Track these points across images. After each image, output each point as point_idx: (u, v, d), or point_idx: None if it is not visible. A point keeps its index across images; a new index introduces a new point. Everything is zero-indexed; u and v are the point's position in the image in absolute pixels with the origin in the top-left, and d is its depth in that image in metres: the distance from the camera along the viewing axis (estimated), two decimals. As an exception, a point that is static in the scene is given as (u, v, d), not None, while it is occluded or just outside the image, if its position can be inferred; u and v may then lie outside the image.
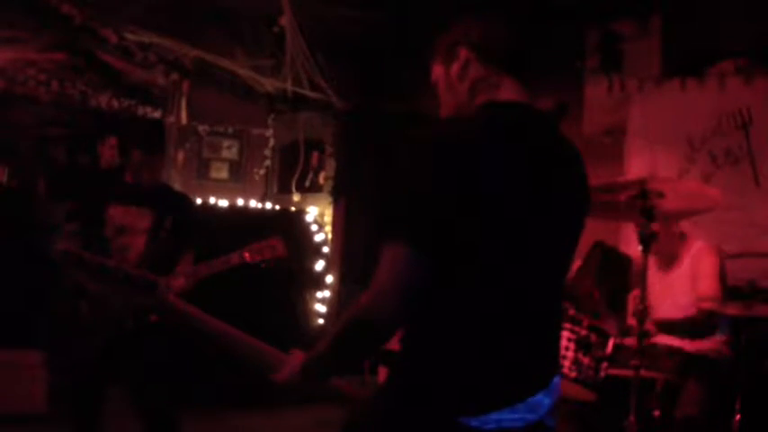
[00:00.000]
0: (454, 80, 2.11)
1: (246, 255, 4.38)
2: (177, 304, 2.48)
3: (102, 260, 4.05)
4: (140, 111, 7.89)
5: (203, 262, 4.31)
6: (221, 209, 7.41)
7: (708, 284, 4.44)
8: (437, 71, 2.18)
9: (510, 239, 1.90)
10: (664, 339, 4.44)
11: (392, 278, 1.84)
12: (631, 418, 3.85)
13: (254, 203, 7.85)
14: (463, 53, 2.10)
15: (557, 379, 2.04)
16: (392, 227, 1.86)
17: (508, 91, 2.07)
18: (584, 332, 4.09)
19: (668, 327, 4.43)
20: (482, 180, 1.83)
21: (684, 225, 4.69)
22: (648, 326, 4.29)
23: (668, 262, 4.65)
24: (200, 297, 3.39)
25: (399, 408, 1.92)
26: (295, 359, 2.08)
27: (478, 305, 1.89)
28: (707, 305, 4.31)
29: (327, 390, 2.12)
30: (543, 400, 1.96)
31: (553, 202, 1.98)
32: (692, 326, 4.42)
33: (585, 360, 4.06)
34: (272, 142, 8.27)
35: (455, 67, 2.11)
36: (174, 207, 4.42)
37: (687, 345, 4.37)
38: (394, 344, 1.96)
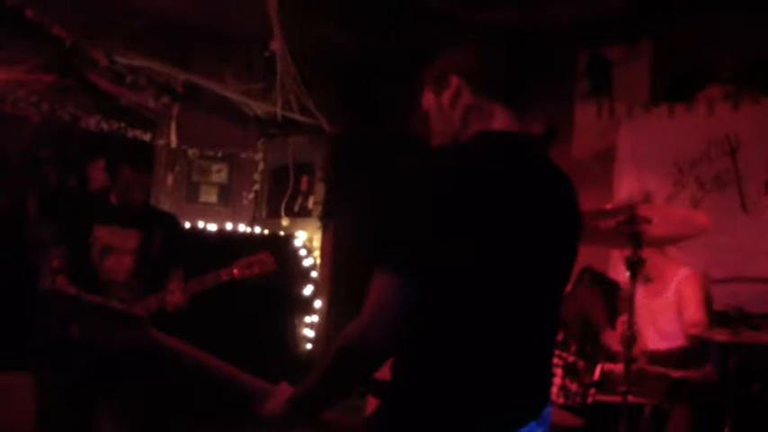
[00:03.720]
0: (446, 108, 2.11)
1: (235, 271, 4.38)
2: (161, 338, 2.46)
3: (85, 296, 4.04)
4: (130, 133, 7.88)
5: (193, 279, 4.31)
6: (210, 233, 7.39)
7: (694, 311, 4.44)
8: (428, 99, 2.17)
9: (502, 269, 1.89)
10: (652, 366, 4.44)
11: (380, 307, 1.84)
12: (620, 443, 3.84)
13: (242, 227, 7.84)
14: (455, 81, 2.09)
15: (548, 409, 2.03)
16: (382, 255, 1.86)
17: (501, 119, 2.07)
18: (571, 358, 4.09)
19: (658, 359, 4.42)
20: (474, 210, 1.83)
21: (670, 250, 4.70)
22: (637, 354, 4.29)
23: (653, 287, 4.65)
24: (187, 322, 3.38)
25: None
26: (282, 392, 2.06)
27: (470, 335, 1.89)
28: (694, 331, 4.32)
29: (311, 419, 2.10)
30: (535, 430, 1.95)
31: (546, 231, 1.98)
32: (682, 357, 4.42)
33: (573, 386, 4.05)
34: (261, 166, 8.27)
35: (447, 95, 2.10)
36: (160, 227, 4.42)
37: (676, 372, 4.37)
38: (383, 372, 1.95)
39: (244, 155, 8.37)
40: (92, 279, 4.19)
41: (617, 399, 3.88)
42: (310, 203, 8.19)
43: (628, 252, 3.93)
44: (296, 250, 7.63)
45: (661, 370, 4.31)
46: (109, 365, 4.13)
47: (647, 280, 4.64)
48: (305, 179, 8.28)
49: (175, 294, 4.23)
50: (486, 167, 1.92)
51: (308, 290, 7.57)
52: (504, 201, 1.90)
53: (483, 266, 1.86)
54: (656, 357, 4.40)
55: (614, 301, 4.94)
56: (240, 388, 2.21)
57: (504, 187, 1.92)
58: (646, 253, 4.41)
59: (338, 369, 1.94)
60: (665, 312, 4.55)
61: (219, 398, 5.73)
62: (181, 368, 2.32)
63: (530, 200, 1.96)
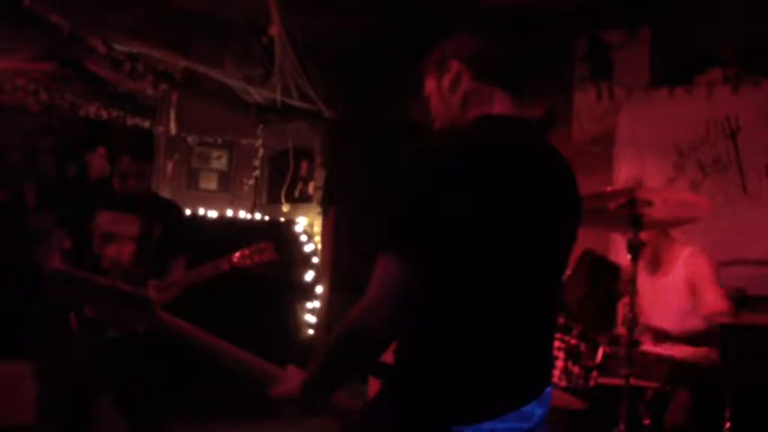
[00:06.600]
0: (446, 92, 2.12)
1: (236, 259, 4.37)
2: (169, 320, 2.47)
3: (94, 278, 4.03)
4: (129, 121, 7.88)
5: (193, 269, 4.31)
6: (210, 219, 7.39)
7: (716, 298, 4.40)
8: (429, 85, 2.19)
9: (502, 251, 1.90)
10: (653, 347, 4.44)
11: (384, 289, 1.84)
12: (621, 426, 3.85)
13: (243, 214, 7.84)
14: (454, 65, 2.10)
15: (549, 389, 2.04)
16: (384, 237, 1.86)
17: (500, 104, 2.08)
18: (573, 341, 4.09)
19: (673, 339, 4.41)
20: (475, 192, 1.83)
21: (673, 232, 4.69)
22: (641, 337, 4.29)
23: (657, 267, 4.65)
24: (190, 308, 3.38)
25: (393, 418, 1.91)
26: (292, 375, 2.07)
27: (472, 315, 1.89)
28: (722, 319, 4.27)
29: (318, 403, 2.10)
30: (536, 409, 1.97)
31: (545, 213, 1.99)
32: (700, 339, 4.41)
33: (575, 369, 4.05)
34: (261, 152, 8.26)
35: (446, 80, 2.11)
36: (162, 214, 4.41)
37: (677, 352, 4.37)
38: (386, 355, 1.95)
39: (243, 141, 8.37)
40: (93, 266, 4.18)
41: (619, 382, 3.89)
42: (310, 189, 8.20)
43: (628, 235, 3.92)
44: (296, 236, 7.63)
45: (664, 352, 4.31)
46: (110, 355, 4.13)
47: (656, 264, 4.64)
48: (305, 165, 8.29)
49: (165, 293, 4.21)
50: (485, 149, 1.92)
51: (309, 276, 7.57)
52: (504, 182, 1.90)
53: (484, 247, 1.86)
54: (669, 337, 4.39)
55: (616, 284, 4.94)
56: (249, 370, 2.22)
57: (503, 169, 1.92)
58: (651, 236, 4.42)
59: (342, 352, 1.94)
60: (675, 292, 4.53)
61: (221, 393, 5.78)
62: (189, 350, 2.33)
63: (529, 182, 1.97)
